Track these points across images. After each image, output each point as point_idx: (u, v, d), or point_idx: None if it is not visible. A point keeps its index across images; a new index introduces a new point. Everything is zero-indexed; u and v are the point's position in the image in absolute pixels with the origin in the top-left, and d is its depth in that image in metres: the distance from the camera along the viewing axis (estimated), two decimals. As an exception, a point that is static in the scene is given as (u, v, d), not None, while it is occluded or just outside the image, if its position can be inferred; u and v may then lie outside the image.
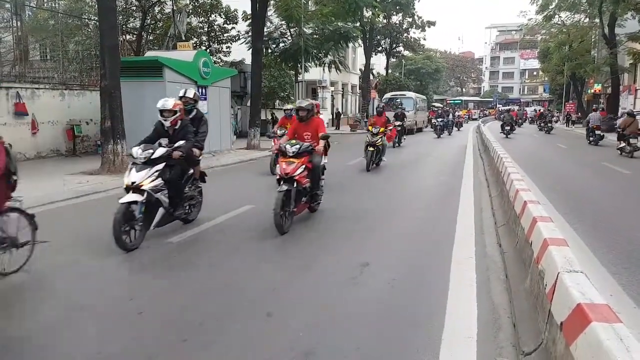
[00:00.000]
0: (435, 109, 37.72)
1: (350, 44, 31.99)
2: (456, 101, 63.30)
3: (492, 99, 79.24)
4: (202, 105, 14.99)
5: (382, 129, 13.48)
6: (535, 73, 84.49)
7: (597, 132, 21.05)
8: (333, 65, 29.16)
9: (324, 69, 29.18)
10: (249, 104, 21.58)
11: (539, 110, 38.92)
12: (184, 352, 3.27)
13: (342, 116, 36.35)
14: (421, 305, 4.05)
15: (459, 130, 33.51)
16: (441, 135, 26.83)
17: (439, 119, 27.34)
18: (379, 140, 13.00)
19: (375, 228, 6.75)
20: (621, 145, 16.52)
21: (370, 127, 13.74)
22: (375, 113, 16.73)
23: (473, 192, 9.29)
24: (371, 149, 12.67)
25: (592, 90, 41.82)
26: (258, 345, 3.35)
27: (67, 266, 4.97)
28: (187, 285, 4.49)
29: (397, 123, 20.06)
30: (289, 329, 3.58)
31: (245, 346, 3.33)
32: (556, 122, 43.67)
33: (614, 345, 2.04)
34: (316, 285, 4.52)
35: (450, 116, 31.56)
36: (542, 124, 31.82)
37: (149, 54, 17.36)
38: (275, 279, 4.66)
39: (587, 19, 35.55)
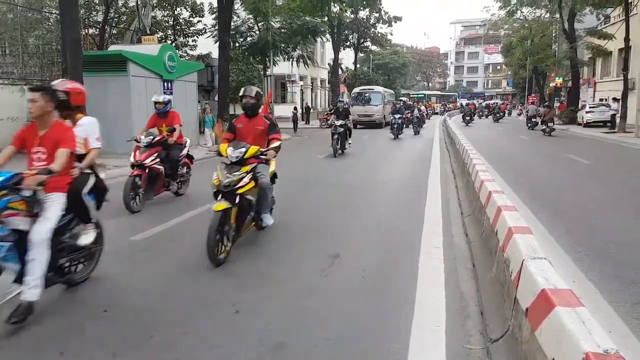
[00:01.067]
0: (397, 102, 28.59)
1: (319, 39, 31.95)
2: (419, 95, 61.93)
3: (453, 93, 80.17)
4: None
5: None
6: (498, 67, 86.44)
7: (533, 119, 27.11)
8: (301, 60, 29.07)
9: (292, 64, 29.05)
10: (216, 98, 21.30)
11: (491, 104, 46.70)
12: (150, 349, 3.21)
13: (311, 110, 36.33)
14: (391, 295, 4.09)
15: (421, 127, 26.56)
16: (399, 136, 21.12)
17: (397, 115, 21.14)
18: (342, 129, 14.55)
19: (344, 220, 6.77)
20: (542, 128, 23.36)
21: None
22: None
23: (440, 185, 9.44)
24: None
25: (554, 84, 43.08)
26: (226, 340, 3.31)
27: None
28: (151, 282, 4.41)
29: (339, 123, 14.69)
30: (258, 323, 3.55)
31: (214, 342, 3.29)
32: (519, 114, 45.61)
33: (577, 328, 2.10)
34: (285, 278, 4.50)
35: (416, 111, 25.81)
36: (495, 115, 38.98)
37: (113, 48, 16.93)
38: (242, 273, 4.62)
39: (548, 14, 36.52)
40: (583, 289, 4.03)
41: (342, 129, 14.59)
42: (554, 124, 23.00)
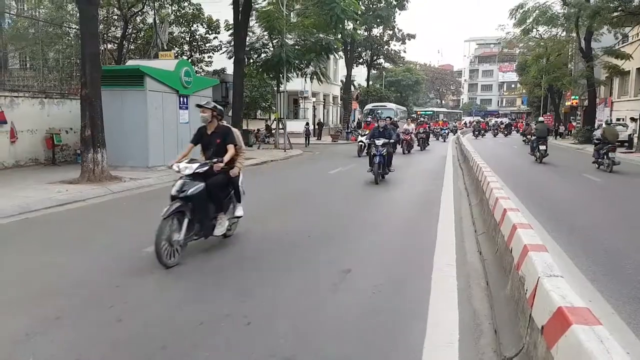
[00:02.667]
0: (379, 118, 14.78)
1: (332, 56, 32.19)
2: (428, 112, 57.87)
3: (459, 111, 79.28)
4: (183, 115, 14.97)
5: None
6: (513, 86, 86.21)
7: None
8: (315, 76, 29.30)
9: (305, 80, 29.28)
10: (230, 113, 21.53)
11: (503, 123, 51.83)
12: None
13: (324, 126, 36.48)
14: (403, 312, 4.05)
15: (423, 149, 24.66)
16: (385, 177, 12.37)
17: (379, 141, 11.90)
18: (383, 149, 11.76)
19: (355, 236, 6.75)
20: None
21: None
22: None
23: (453, 201, 9.39)
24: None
25: (570, 103, 42.77)
26: (238, 352, 3.31)
27: (47, 272, 4.87)
28: (165, 295, 4.43)
29: (380, 142, 11.50)
30: (270, 336, 3.55)
31: (225, 353, 3.29)
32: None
33: (595, 346, 2.06)
34: (297, 292, 4.49)
35: (404, 130, 22.51)
36: (505, 132, 46.47)
37: (131, 62, 17.22)
38: (254, 286, 4.62)
39: (564, 33, 36.32)
40: (600, 309, 3.96)
41: (383, 149, 11.76)
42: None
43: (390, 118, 17.52)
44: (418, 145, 24.77)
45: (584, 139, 30.72)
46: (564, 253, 5.82)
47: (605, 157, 15.49)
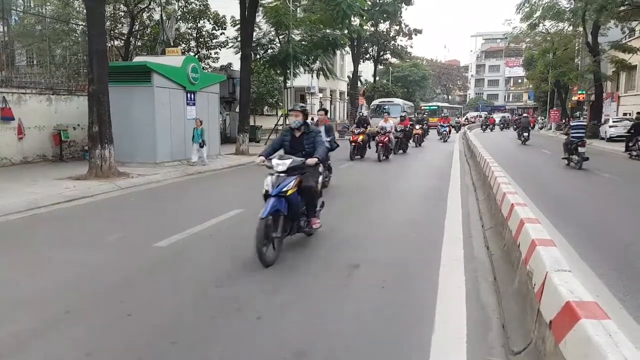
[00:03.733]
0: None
1: (338, 51, 32.14)
2: (432, 107, 52.72)
3: (459, 106, 77.82)
4: (190, 111, 15.02)
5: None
6: (520, 80, 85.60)
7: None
8: (321, 72, 29.28)
9: (312, 76, 29.27)
10: (237, 109, 21.56)
11: (512, 117, 54.20)
12: (173, 355, 3.26)
13: (331, 122, 36.43)
14: (411, 306, 4.07)
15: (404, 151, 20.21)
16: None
17: (326, 138, 9.37)
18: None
19: (363, 231, 6.76)
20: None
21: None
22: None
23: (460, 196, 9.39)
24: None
25: (576, 98, 42.46)
26: (248, 346, 3.35)
27: (56, 267, 4.93)
28: (176, 289, 4.47)
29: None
30: (279, 330, 3.58)
31: (235, 348, 3.32)
32: (540, 128, 45.74)
33: (603, 340, 2.08)
34: (306, 287, 4.52)
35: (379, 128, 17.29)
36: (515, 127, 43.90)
37: (138, 59, 17.28)
38: (263, 282, 4.65)
39: (571, 28, 36.05)
40: (608, 304, 3.96)
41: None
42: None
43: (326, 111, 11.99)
44: (398, 149, 19.57)
45: (591, 134, 30.55)
46: (572, 248, 5.81)
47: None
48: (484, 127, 45.17)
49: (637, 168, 15.96)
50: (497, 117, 58.62)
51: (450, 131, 30.99)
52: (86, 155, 11.77)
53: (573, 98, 44.65)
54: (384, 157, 16.54)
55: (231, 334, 3.52)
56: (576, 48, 39.02)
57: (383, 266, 5.15)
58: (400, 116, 23.79)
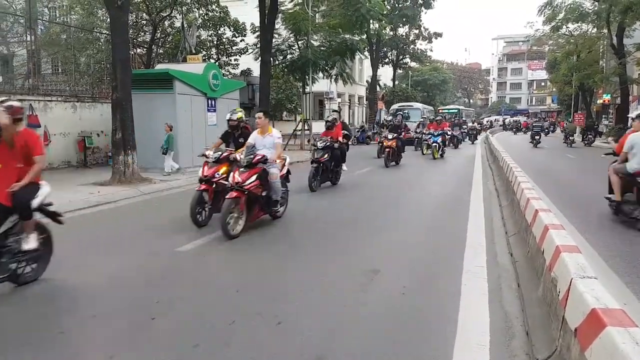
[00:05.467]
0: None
1: (357, 56, 32.12)
2: (452, 110, 47.18)
3: (471, 109, 73.64)
4: (211, 117, 15.18)
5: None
6: (543, 84, 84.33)
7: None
8: (340, 78, 29.32)
9: (330, 81, 29.31)
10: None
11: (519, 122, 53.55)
12: (195, 358, 3.29)
13: (350, 127, 36.32)
14: (433, 313, 4.04)
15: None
16: None
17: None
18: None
19: (384, 235, 6.73)
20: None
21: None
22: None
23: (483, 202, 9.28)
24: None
25: (601, 101, 41.62)
26: (268, 350, 3.36)
27: (81, 272, 5.02)
28: (197, 294, 4.51)
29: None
30: (299, 335, 3.59)
31: (256, 352, 3.34)
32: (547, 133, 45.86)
33: (630, 348, 2.03)
34: (326, 292, 4.51)
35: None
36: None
37: (160, 66, 17.54)
38: (284, 286, 4.67)
39: (595, 30, 35.36)
40: (635, 312, 3.85)
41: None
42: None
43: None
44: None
45: (617, 138, 29.86)
46: (598, 254, 5.68)
47: None
48: (514, 129, 48.80)
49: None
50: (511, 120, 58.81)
51: (445, 144, 20.64)
52: (109, 162, 11.98)
53: (598, 101, 43.79)
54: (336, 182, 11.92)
55: (252, 339, 3.54)
56: (601, 50, 38.26)
57: (404, 272, 5.12)
58: (437, 120, 22.19)
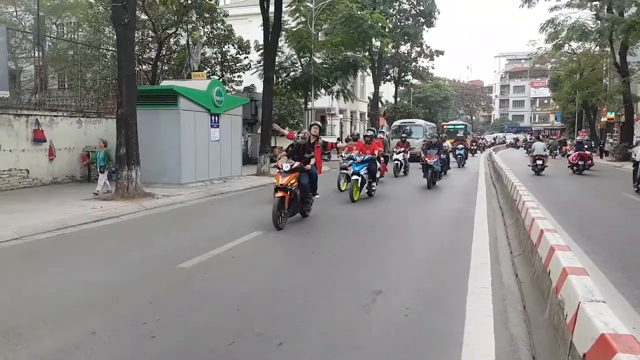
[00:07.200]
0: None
1: (359, 73, 32.33)
2: (458, 126, 44.03)
3: (462, 123, 70.51)
4: (214, 133, 15.23)
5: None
6: (546, 101, 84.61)
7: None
8: (342, 94, 29.54)
9: (332, 97, 29.51)
10: (259, 131, 21.80)
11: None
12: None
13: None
14: (437, 335, 3.96)
15: None
16: None
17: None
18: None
19: (385, 255, 6.67)
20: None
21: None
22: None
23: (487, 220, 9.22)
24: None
25: (605, 119, 41.62)
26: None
27: (82, 287, 4.98)
28: (199, 311, 4.45)
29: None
30: (300, 357, 3.52)
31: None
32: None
33: (642, 378, 1.97)
34: (328, 312, 4.44)
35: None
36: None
37: (164, 83, 17.69)
38: (285, 306, 4.60)
39: (598, 48, 35.50)
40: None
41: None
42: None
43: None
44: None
45: (622, 156, 29.78)
46: (604, 276, 5.60)
47: None
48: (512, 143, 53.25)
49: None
50: (515, 137, 59.29)
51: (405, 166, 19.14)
52: (113, 176, 11.99)
53: (602, 119, 43.80)
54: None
55: (253, 359, 3.47)
56: (604, 68, 38.39)
57: (407, 292, 5.05)
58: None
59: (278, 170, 8.37)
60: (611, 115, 39.48)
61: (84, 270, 5.77)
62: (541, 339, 3.57)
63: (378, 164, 12.91)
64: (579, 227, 8.55)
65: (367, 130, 15.21)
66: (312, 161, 8.85)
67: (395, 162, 18.60)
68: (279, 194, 7.92)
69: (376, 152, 12.62)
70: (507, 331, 3.98)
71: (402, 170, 19.04)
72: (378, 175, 13.04)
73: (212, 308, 4.55)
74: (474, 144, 39.10)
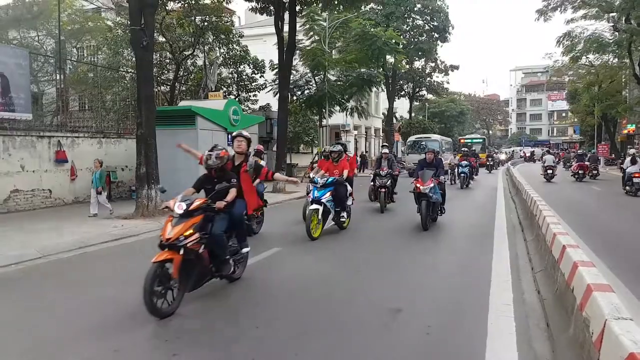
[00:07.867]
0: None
1: (374, 89, 32.46)
2: (477, 140, 43.26)
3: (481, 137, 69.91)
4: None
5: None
6: (564, 114, 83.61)
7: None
8: (355, 111, 29.66)
9: (346, 114, 29.64)
10: (274, 148, 21.96)
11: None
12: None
13: (367, 159, 36.37)
14: (460, 354, 3.91)
15: None
16: None
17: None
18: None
19: (405, 273, 6.62)
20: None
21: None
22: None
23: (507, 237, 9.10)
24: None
25: (626, 131, 40.95)
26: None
27: (105, 305, 5.03)
28: (216, 331, 4.46)
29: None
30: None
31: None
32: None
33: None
34: (348, 331, 4.42)
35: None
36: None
37: (182, 103, 17.99)
38: (303, 325, 4.58)
39: (617, 59, 35.05)
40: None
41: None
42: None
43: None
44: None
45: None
46: (630, 292, 5.47)
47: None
48: (527, 156, 54.26)
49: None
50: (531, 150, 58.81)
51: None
52: (133, 195, 12.15)
53: (623, 131, 43.10)
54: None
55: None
56: (623, 80, 37.90)
57: (428, 310, 4.99)
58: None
59: (170, 214, 5.18)
60: (632, 127, 38.84)
61: (106, 288, 5.84)
62: (566, 358, 3.50)
63: (349, 187, 9.87)
64: (582, 224, 8.38)
65: (334, 144, 10.77)
66: (232, 194, 5.47)
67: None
68: (162, 255, 4.79)
69: (345, 172, 9.72)
70: (531, 349, 3.91)
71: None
72: (350, 202, 9.95)
73: (231, 327, 4.56)
74: (489, 159, 35.03)
